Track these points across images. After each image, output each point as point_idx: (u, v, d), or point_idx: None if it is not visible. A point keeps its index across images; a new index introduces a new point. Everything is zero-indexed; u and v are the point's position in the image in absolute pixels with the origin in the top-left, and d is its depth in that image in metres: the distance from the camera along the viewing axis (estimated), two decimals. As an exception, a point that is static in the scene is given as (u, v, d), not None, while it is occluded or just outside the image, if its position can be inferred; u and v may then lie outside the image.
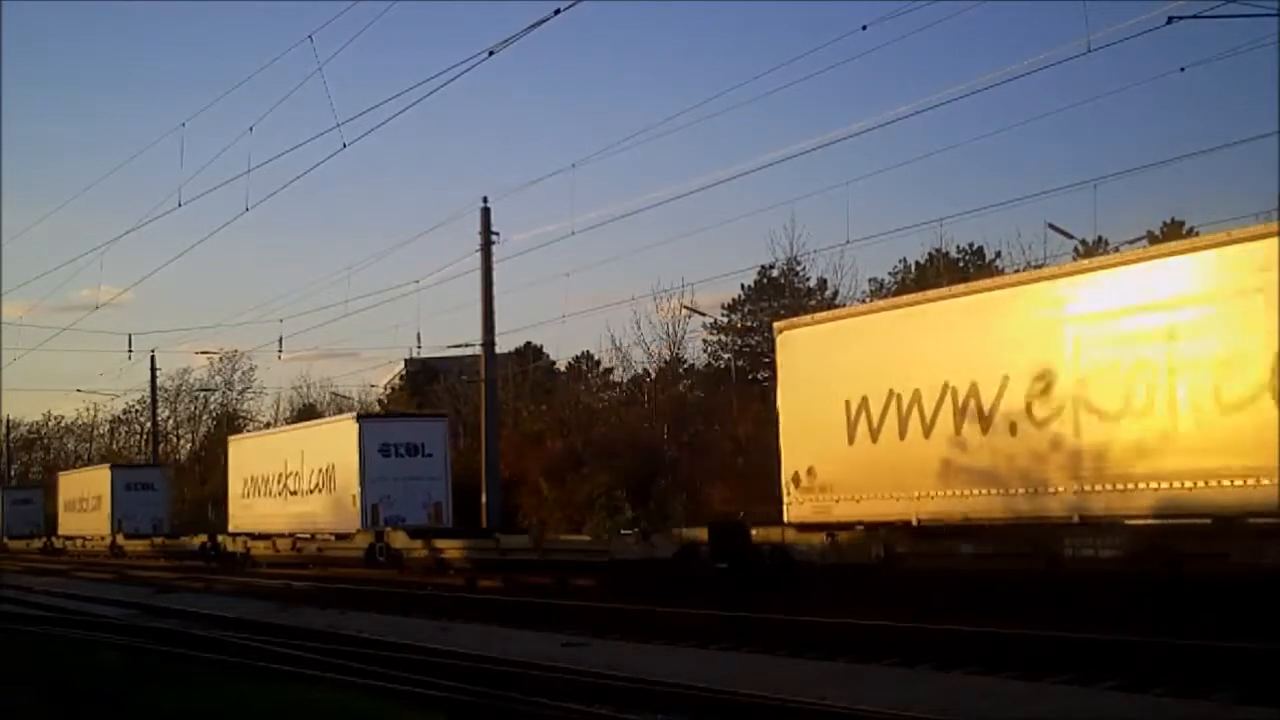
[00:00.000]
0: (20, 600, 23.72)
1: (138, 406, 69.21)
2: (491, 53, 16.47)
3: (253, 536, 36.00)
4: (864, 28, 20.01)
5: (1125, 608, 13.72)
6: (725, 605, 16.52)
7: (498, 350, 35.70)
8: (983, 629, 12.80)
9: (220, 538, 37.87)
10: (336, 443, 32.33)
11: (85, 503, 52.08)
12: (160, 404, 64.34)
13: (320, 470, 33.07)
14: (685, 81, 74.06)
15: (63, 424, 79.16)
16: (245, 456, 38.95)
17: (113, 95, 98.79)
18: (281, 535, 34.45)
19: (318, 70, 19.64)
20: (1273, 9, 16.54)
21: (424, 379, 54.72)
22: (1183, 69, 23.15)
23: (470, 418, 42.84)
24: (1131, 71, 53.72)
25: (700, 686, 9.82)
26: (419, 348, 40.66)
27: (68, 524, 54.34)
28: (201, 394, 69.79)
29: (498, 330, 33.95)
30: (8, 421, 77.70)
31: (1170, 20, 16.10)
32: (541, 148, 78.22)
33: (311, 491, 33.45)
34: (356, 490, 31.02)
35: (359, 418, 34.05)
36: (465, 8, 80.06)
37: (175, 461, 67.33)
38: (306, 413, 58.58)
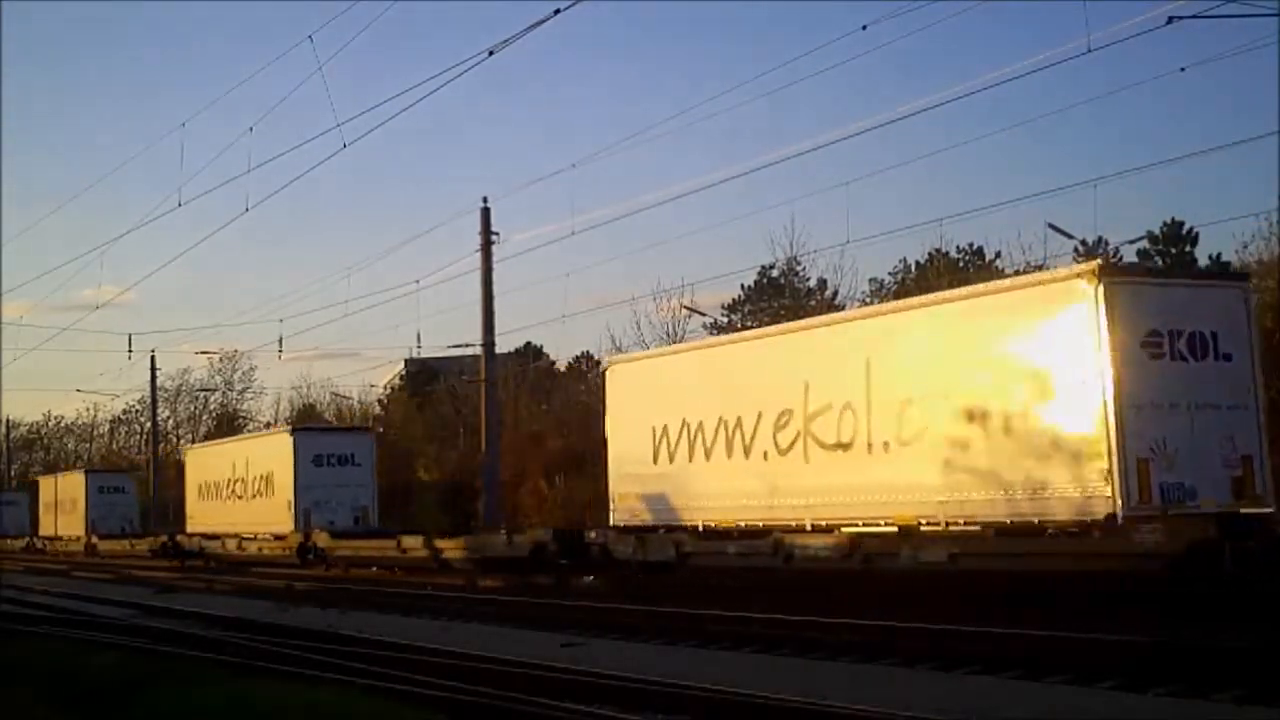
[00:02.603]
0: (20, 600, 23.70)
1: (138, 406, 69.40)
2: (491, 53, 16.50)
3: (206, 536, 39.24)
4: (864, 28, 20.09)
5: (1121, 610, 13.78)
6: (726, 606, 16.53)
7: (498, 350, 35.71)
8: (983, 629, 12.81)
9: (179, 537, 41.21)
10: (275, 453, 35.67)
11: (62, 505, 55.36)
12: (160, 404, 64.38)
13: (261, 477, 36.45)
14: (685, 81, 74.17)
15: (63, 424, 79.42)
16: (200, 464, 42.67)
17: (113, 95, 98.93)
18: (230, 535, 37.57)
19: (318, 70, 19.67)
20: (1273, 9, 16.58)
21: (424, 379, 54.73)
22: (1183, 69, 23.20)
23: (470, 418, 42.85)
24: (1131, 71, 53.80)
25: (700, 686, 9.81)
26: (419, 348, 40.75)
27: (47, 525, 57.59)
28: (201, 394, 69.92)
29: (498, 330, 33.99)
30: (8, 421, 77.92)
31: (1170, 20, 16.14)
32: (541, 148, 78.31)
33: (254, 496, 36.78)
34: (291, 495, 34.25)
35: (293, 430, 37.38)
36: (465, 8, 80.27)
37: (176, 462, 67.34)
38: (306, 413, 58.58)
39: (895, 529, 17.37)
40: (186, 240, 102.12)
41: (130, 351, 48.37)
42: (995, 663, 11.45)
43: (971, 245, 40.97)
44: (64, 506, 54.96)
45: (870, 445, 17.82)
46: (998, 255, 38.63)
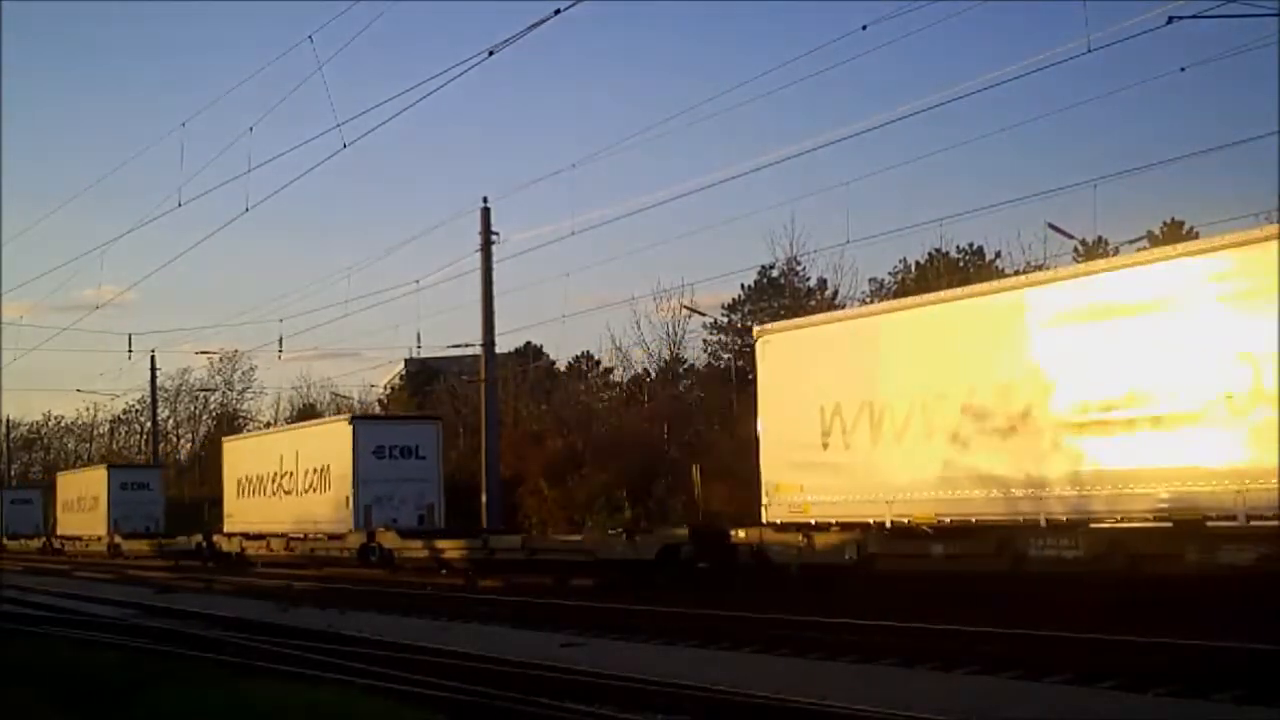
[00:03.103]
0: (20, 600, 23.69)
1: (138, 406, 69.41)
2: (491, 53, 16.49)
3: (248, 536, 36.18)
4: (864, 28, 20.00)
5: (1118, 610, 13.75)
6: (725, 606, 16.53)
7: (498, 350, 35.74)
8: (984, 629, 12.81)
9: (215, 537, 38.08)
10: (331, 444, 32.70)
11: (83, 502, 52.21)
12: (160, 404, 64.44)
13: (315, 471, 33.35)
14: (685, 82, 74.09)
15: (63, 424, 79.41)
16: (240, 457, 39.12)
17: (113, 95, 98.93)
18: (275, 535, 34.66)
19: (318, 70, 19.66)
20: (1273, 9, 16.55)
21: (424, 379, 54.74)
22: (1183, 69, 23.13)
23: (470, 418, 42.83)
24: (1131, 71, 53.73)
25: (700, 686, 9.82)
26: (419, 348, 40.74)
27: (66, 524, 54.58)
28: (201, 394, 69.92)
29: (498, 330, 34.03)
30: (8, 421, 77.87)
31: (1170, 20, 16.11)
32: (541, 148, 78.33)
33: (306, 492, 33.74)
34: (350, 491, 31.36)
35: (353, 419, 34.26)
36: (465, 8, 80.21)
37: (176, 462, 67.39)
38: (306, 412, 58.60)
39: (1171, 524, 14.61)
40: (186, 240, 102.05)
41: (130, 351, 48.50)
42: (995, 662, 11.46)
43: (971, 245, 41.00)
44: (84, 504, 51.77)
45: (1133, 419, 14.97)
46: (998, 255, 38.68)
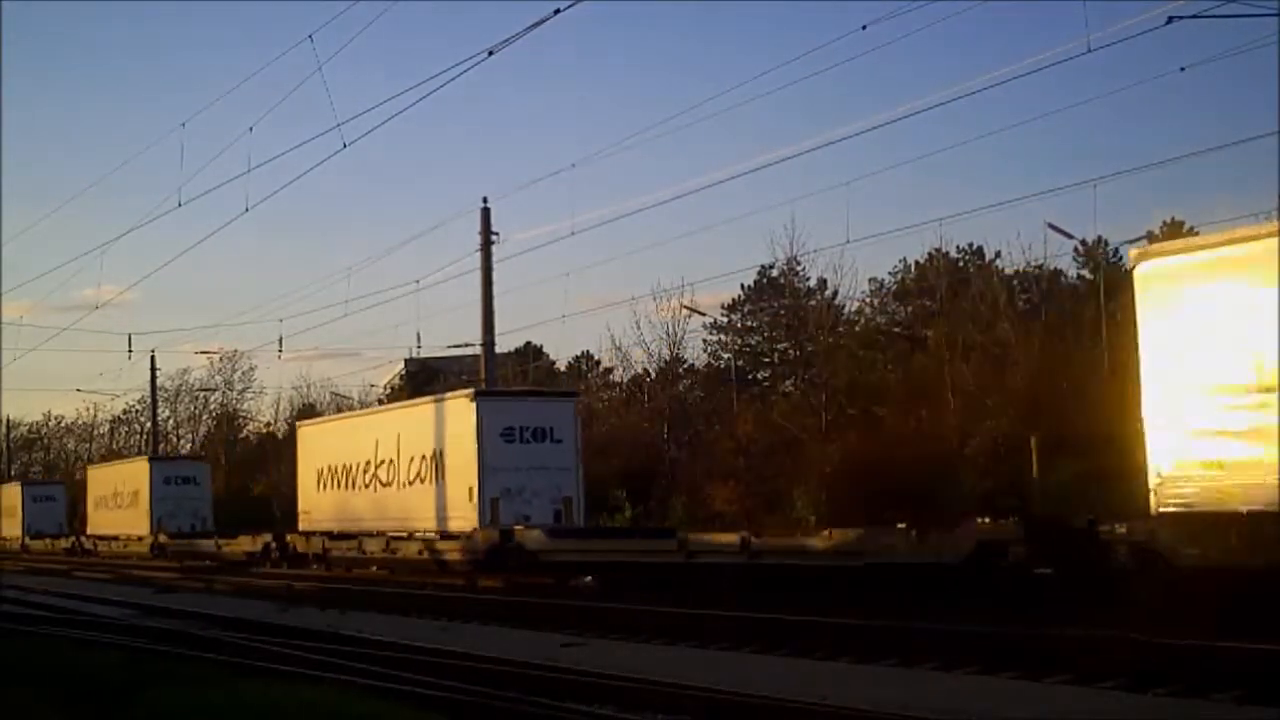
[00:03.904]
0: (20, 600, 23.68)
1: (138, 406, 69.30)
2: (491, 53, 16.53)
3: (331, 536, 31.56)
4: (864, 28, 20.02)
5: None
6: (726, 606, 16.50)
7: (498, 350, 35.71)
8: (984, 629, 12.80)
9: (290, 537, 33.51)
10: (447, 425, 27.80)
11: (120, 499, 47.91)
12: (160, 404, 64.34)
13: (424, 458, 28.50)
14: (685, 81, 74.13)
15: (63, 424, 79.31)
16: (320, 444, 34.00)
17: (113, 95, 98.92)
18: (370, 534, 30.01)
19: (318, 70, 19.67)
20: (1273, 9, 16.53)
21: (424, 379, 54.76)
22: (1183, 69, 23.09)
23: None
24: (1131, 71, 53.75)
25: (700, 686, 9.81)
26: (419, 348, 40.83)
27: (99, 522, 50.12)
28: (201, 394, 69.76)
29: (498, 330, 33.97)
30: (8, 421, 77.80)
31: (1170, 20, 16.09)
32: (541, 148, 78.27)
33: (411, 483, 28.94)
34: (474, 481, 26.61)
35: (478, 394, 28.22)
36: (465, 8, 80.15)
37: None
38: (306, 412, 58.55)
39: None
40: (186, 240, 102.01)
41: (130, 351, 48.44)
42: (995, 662, 11.45)
43: (971, 245, 41.09)
44: (121, 500, 47.53)
45: None
46: (998, 255, 38.75)
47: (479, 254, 33.44)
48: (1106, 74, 52.40)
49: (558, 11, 15.10)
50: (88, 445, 77.94)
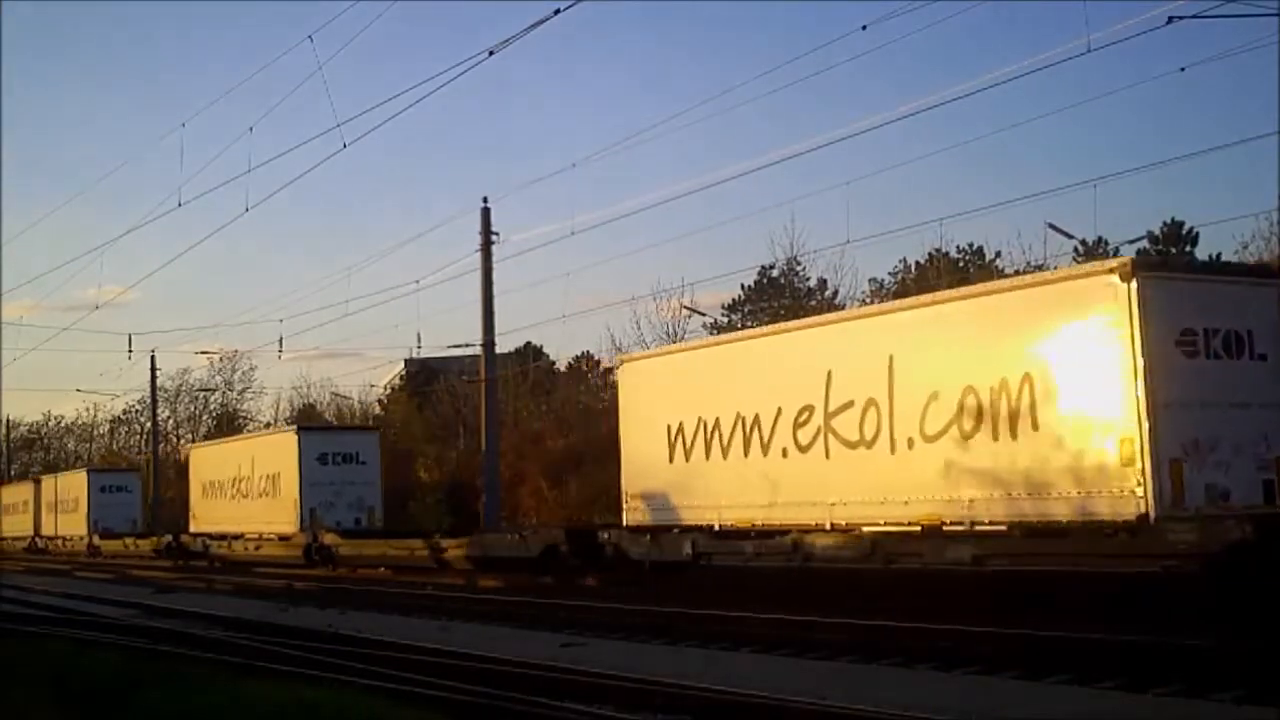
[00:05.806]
0: (20, 600, 23.69)
1: (138, 406, 69.32)
2: (491, 53, 16.52)
3: (211, 536, 38.90)
4: (864, 28, 20.06)
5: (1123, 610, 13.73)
6: (726, 606, 16.53)
7: (498, 350, 35.73)
8: (983, 629, 12.81)
9: (183, 538, 40.77)
10: (280, 452, 35.38)
11: (65, 504, 53.87)
12: (160, 404, 64.32)
13: (267, 477, 36.03)
14: (685, 82, 74.15)
15: (63, 424, 79.37)
16: (204, 463, 42.18)
17: (113, 95, 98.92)
18: (235, 536, 37.25)
19: (318, 70, 19.69)
20: (1273, 9, 16.54)
21: (424, 379, 54.67)
22: (1183, 69, 23.14)
23: (470, 418, 42.85)
24: (1131, 71, 53.72)
25: (700, 686, 9.81)
26: (419, 348, 40.90)
27: (49, 525, 56.27)
28: (201, 394, 69.82)
29: (498, 330, 34.03)
30: (8, 421, 77.84)
31: (1170, 20, 16.10)
32: (541, 148, 78.24)
33: (260, 496, 36.40)
34: (297, 495, 33.95)
35: (299, 429, 37.24)
36: (465, 8, 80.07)
37: (175, 462, 67.29)
38: (307, 413, 58.58)
39: (919, 529, 16.81)
40: (186, 240, 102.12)
41: (130, 351, 48.36)
42: (995, 662, 11.46)
43: (971, 245, 41.01)
44: (66, 506, 53.71)
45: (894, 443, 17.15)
46: (998, 255, 38.69)
47: (479, 254, 33.48)
48: (1106, 74, 52.50)
49: (558, 11, 15.11)
50: (88, 445, 77.98)
